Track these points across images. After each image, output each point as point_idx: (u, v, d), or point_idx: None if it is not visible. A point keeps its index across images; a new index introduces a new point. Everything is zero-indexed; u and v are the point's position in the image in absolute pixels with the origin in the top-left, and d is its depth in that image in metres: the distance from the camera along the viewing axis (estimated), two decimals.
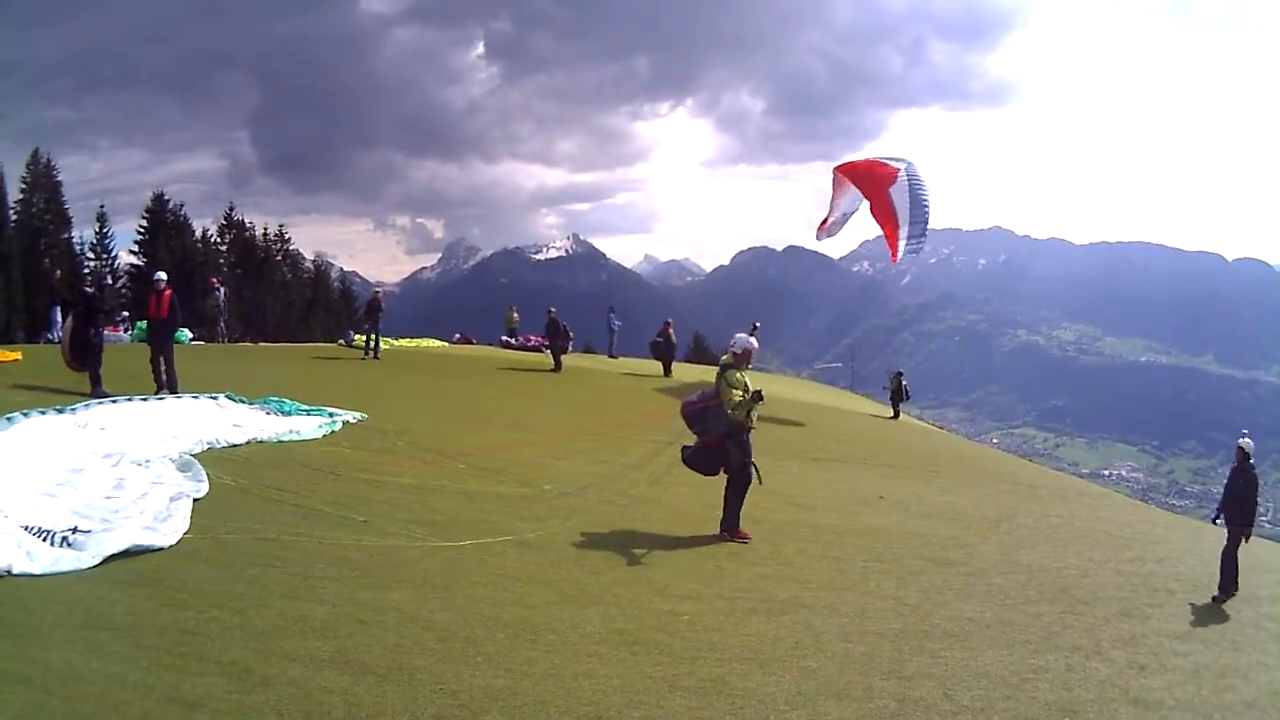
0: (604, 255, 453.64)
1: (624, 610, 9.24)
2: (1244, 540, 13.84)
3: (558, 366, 33.09)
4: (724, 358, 12.95)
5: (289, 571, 9.15)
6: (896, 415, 37.45)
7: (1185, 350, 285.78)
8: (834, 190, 30.60)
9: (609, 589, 9.91)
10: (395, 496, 13.04)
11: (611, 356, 42.41)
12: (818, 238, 32.74)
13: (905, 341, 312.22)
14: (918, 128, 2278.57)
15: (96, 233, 55.08)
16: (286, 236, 66.63)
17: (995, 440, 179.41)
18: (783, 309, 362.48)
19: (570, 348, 35.56)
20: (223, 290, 37.29)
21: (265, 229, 65.72)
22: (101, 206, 56.38)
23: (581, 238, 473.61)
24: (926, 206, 27.20)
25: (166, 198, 58.41)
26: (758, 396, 12.60)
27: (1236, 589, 13.47)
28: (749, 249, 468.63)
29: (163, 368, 19.73)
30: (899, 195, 27.13)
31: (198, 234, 60.01)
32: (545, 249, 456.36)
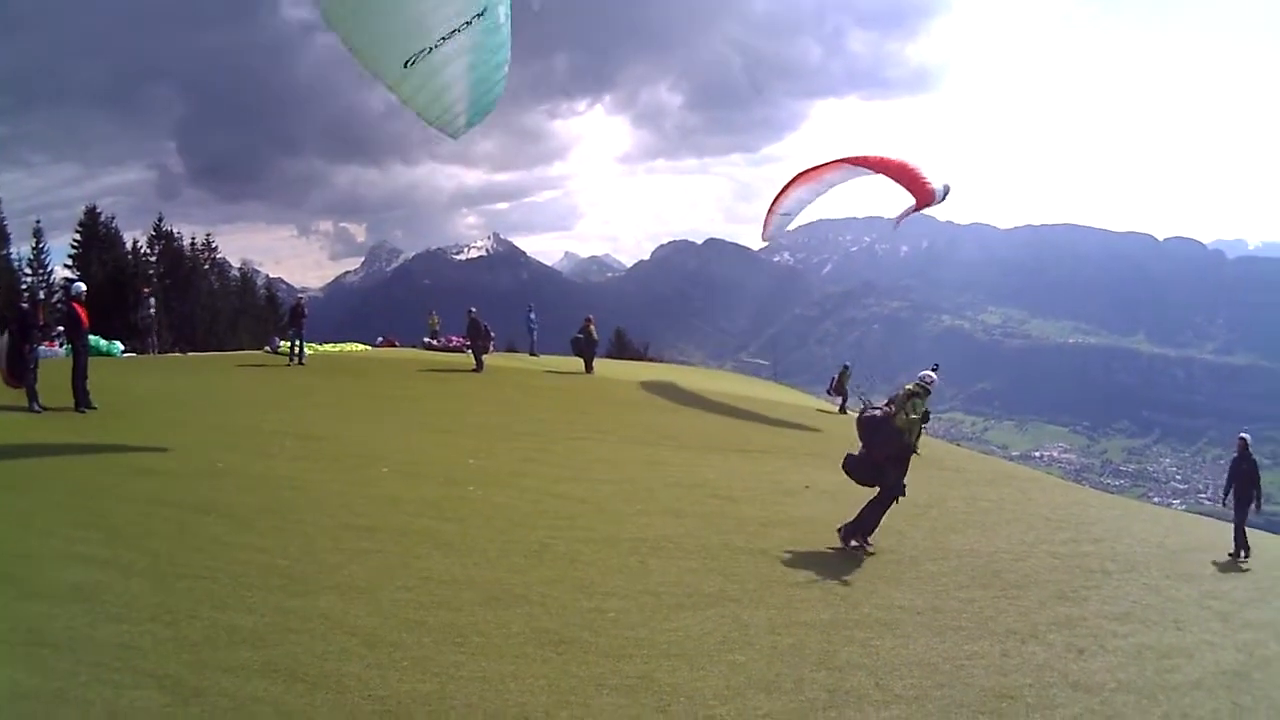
0: (524, 254, 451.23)
1: (549, 609, 9.25)
2: (1255, 512, 16.52)
3: (479, 366, 32.93)
4: (911, 386, 13.21)
5: (218, 582, 9.16)
6: (841, 410, 37.63)
7: (1115, 331, 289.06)
8: (799, 178, 30.81)
9: (534, 588, 9.90)
10: (320, 502, 13.00)
11: (533, 355, 42.28)
12: (766, 231, 32.96)
13: (828, 331, 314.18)
14: (836, 117, 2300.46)
15: (33, 248, 55.29)
16: (213, 245, 66.57)
17: (925, 426, 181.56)
18: (704, 302, 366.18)
19: (492, 347, 35.39)
20: (153, 300, 36.69)
21: (193, 239, 65.44)
22: (38, 222, 56.73)
23: (502, 237, 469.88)
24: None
25: (99, 211, 58.37)
26: (925, 417, 13.24)
27: (1249, 551, 15.99)
28: (669, 243, 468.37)
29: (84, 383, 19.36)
30: (933, 182, 27.85)
31: (129, 246, 59.76)
32: (466, 249, 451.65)
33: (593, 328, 36.68)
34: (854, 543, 12.89)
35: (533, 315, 42.98)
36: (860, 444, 13.33)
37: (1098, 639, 10.11)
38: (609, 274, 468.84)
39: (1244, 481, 16.80)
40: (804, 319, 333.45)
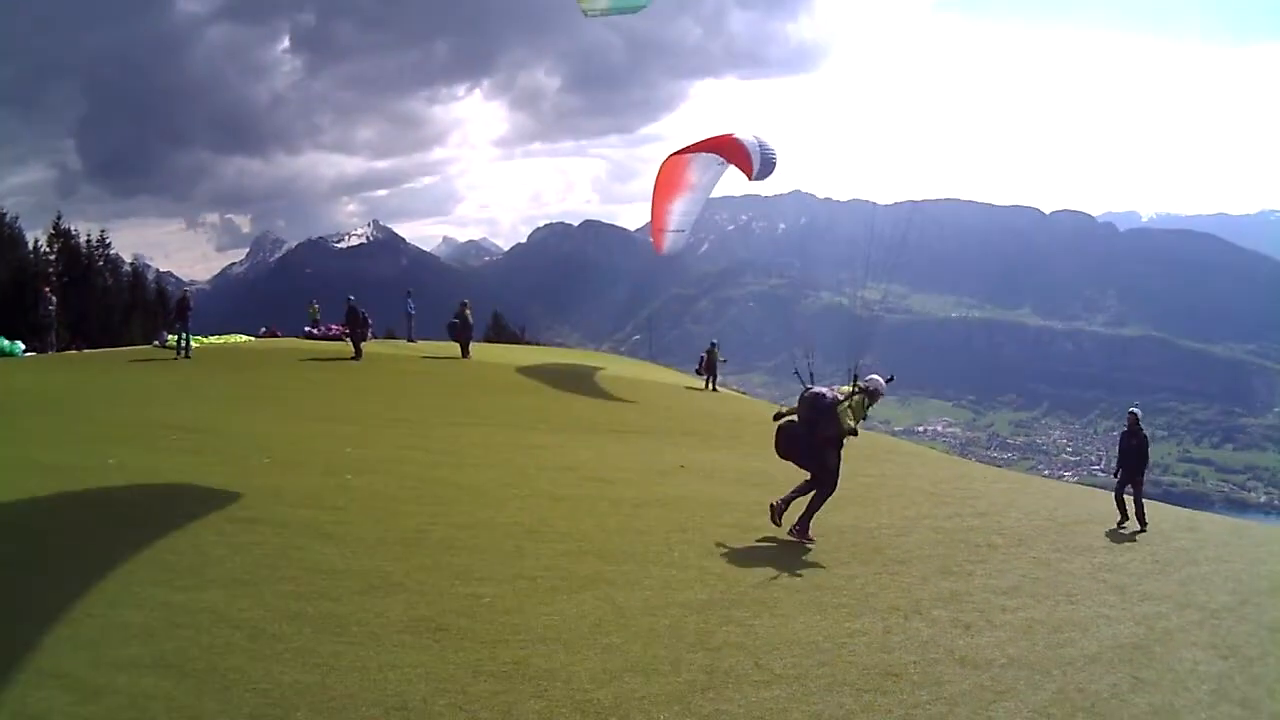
0: (403, 240, 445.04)
1: (426, 596, 9.26)
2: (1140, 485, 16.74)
3: (358, 354, 33.78)
4: (862, 384, 13.19)
5: (109, 578, 9.18)
6: (711, 387, 38.54)
7: (1000, 304, 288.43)
8: (666, 189, 30.81)
9: (411, 575, 9.91)
10: (204, 495, 12.90)
11: (410, 341, 42.56)
12: (660, 249, 32.90)
13: (704, 310, 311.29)
14: (715, 97, 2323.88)
15: None
16: (107, 242, 65.32)
17: None
18: (581, 283, 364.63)
19: (370, 335, 36.23)
20: (53, 298, 36.21)
21: (88, 235, 64.20)
22: None
23: (381, 224, 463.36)
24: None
25: (3, 211, 57.56)
26: (853, 432, 13.12)
27: (1124, 518, 16.41)
28: (545, 225, 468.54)
29: None
30: (744, 137, 28.05)
31: (30, 245, 58.85)
32: (346, 237, 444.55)
33: (468, 312, 37.47)
34: (795, 530, 12.74)
35: (410, 302, 42.99)
36: (800, 419, 13.17)
37: (985, 614, 10.12)
38: (486, 258, 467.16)
39: (1135, 455, 17.18)
40: (680, 298, 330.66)
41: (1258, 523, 32.11)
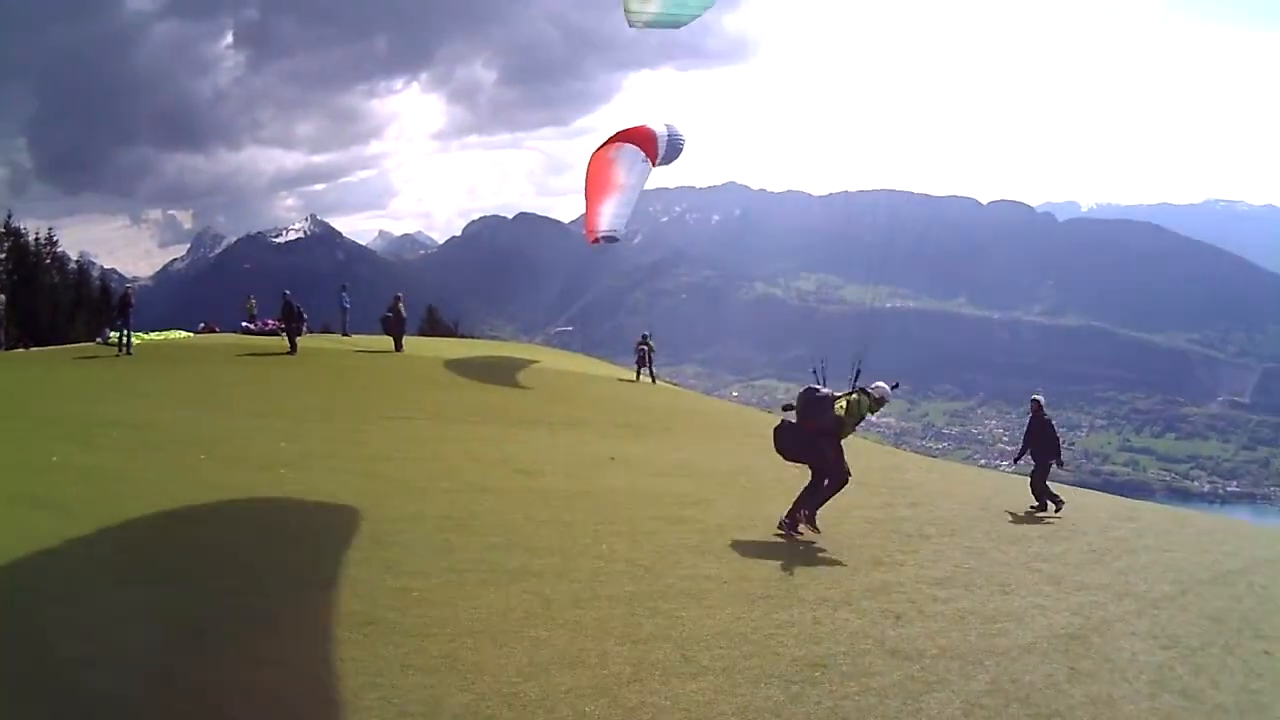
0: (340, 234, 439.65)
1: (356, 590, 9.23)
2: (1056, 468, 16.92)
3: (293, 349, 33.74)
4: (870, 388, 13.30)
5: (50, 576, 9.17)
6: (645, 378, 38.64)
7: (935, 295, 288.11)
8: (597, 191, 30.96)
9: (341, 569, 9.87)
10: (142, 493, 12.73)
11: (345, 335, 42.70)
12: (595, 240, 32.85)
13: (638, 301, 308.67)
14: (650, 88, 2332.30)
15: None
16: (55, 239, 65.18)
17: (735, 394, 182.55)
18: (515, 276, 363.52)
19: (305, 329, 36.23)
20: (2, 297, 35.93)
21: (36, 234, 64.17)
22: None
23: (319, 218, 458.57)
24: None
25: None
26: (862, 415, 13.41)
27: (1060, 501, 16.45)
28: (480, 218, 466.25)
29: None
30: (654, 125, 29.45)
31: None
32: (284, 232, 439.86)
33: (401, 306, 37.81)
34: (801, 527, 12.79)
35: (345, 296, 42.98)
36: (798, 413, 13.23)
37: (916, 604, 10.07)
38: (422, 251, 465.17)
39: (1043, 440, 17.07)
40: (614, 290, 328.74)
41: (1200, 512, 32.42)
